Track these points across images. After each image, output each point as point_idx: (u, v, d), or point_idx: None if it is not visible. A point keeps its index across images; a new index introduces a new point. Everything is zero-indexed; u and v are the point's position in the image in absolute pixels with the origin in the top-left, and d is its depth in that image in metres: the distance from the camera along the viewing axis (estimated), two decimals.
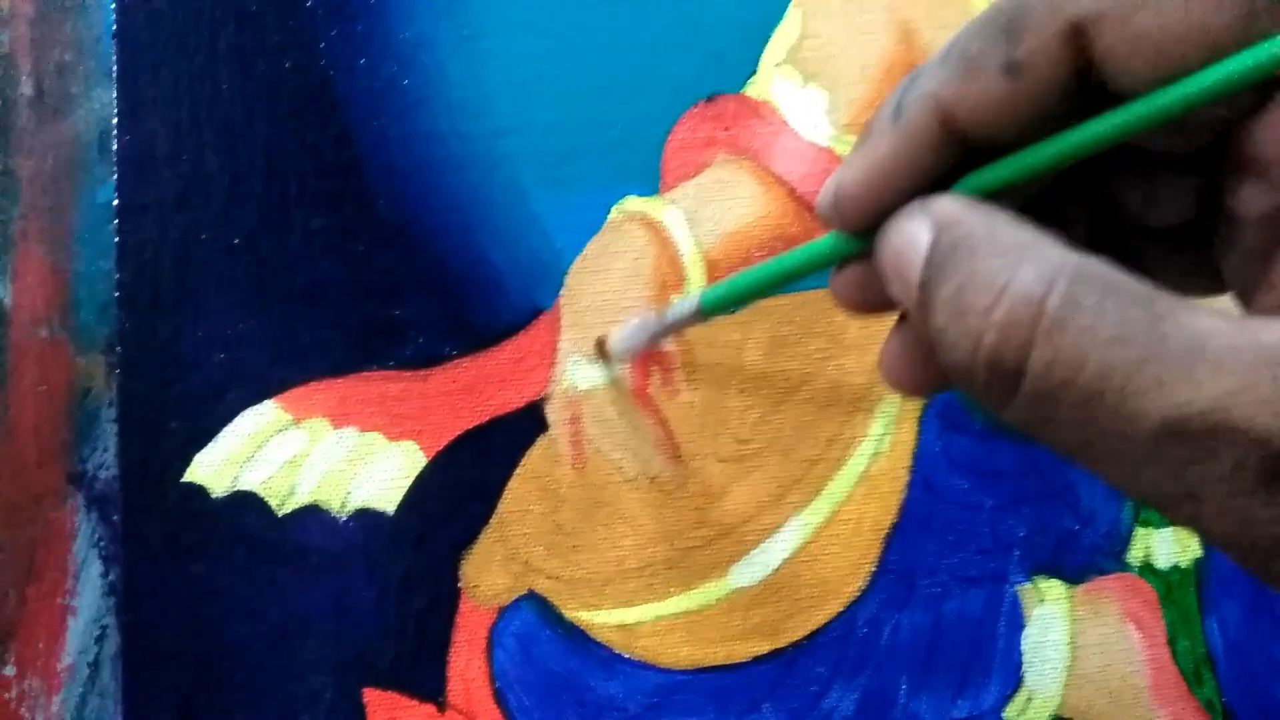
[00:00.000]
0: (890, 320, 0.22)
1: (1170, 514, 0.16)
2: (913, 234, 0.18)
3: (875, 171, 0.19)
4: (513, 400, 0.36)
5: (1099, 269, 0.16)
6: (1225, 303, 0.18)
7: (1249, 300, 0.19)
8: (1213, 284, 0.20)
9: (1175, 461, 0.15)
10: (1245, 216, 0.18)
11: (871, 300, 0.21)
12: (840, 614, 0.36)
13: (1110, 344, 0.15)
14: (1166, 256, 0.21)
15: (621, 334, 0.34)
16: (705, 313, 0.29)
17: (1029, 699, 0.36)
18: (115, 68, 0.37)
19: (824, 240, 0.22)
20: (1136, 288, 0.16)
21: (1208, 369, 0.14)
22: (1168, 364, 0.15)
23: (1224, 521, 0.15)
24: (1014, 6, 0.18)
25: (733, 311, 0.36)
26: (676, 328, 0.31)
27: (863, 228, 0.20)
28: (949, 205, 0.18)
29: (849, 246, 0.21)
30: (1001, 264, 0.16)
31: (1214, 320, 0.15)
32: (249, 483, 0.35)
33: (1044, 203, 0.21)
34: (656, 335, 0.33)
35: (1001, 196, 0.19)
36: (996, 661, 0.36)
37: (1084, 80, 0.18)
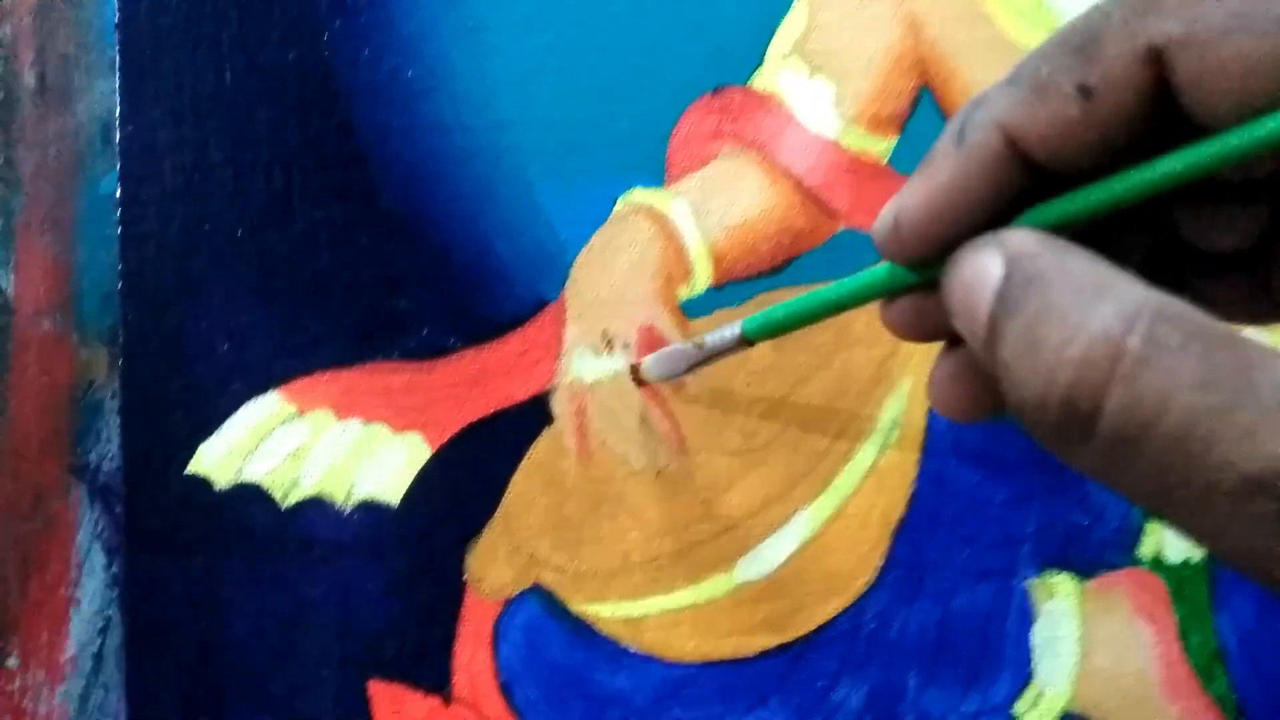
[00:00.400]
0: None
1: (1258, 575, 0.15)
2: (984, 267, 0.17)
3: (938, 198, 0.18)
4: (518, 392, 0.36)
5: (1182, 309, 0.15)
6: None
7: None
8: (1268, 313, 0.19)
9: (1263, 518, 0.14)
10: None
11: (927, 329, 0.21)
12: (848, 608, 0.36)
13: (1196, 389, 0.14)
14: (1218, 282, 0.20)
15: (657, 362, 0.33)
16: (747, 340, 0.27)
17: (1039, 694, 0.36)
18: (118, 59, 0.37)
19: (879, 270, 0.20)
20: (1222, 331, 0.15)
21: None
22: (1258, 413, 0.14)
23: None
24: (1088, 27, 0.17)
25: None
26: (715, 356, 0.30)
27: (922, 258, 0.19)
28: (1023, 238, 0.17)
29: (907, 278, 0.20)
30: (1078, 300, 0.15)
31: None
32: (253, 474, 0.35)
33: (1099, 226, 0.20)
34: (694, 365, 0.32)
35: (1066, 227, 0.18)
36: (1006, 657, 0.36)
37: (1161, 105, 0.17)
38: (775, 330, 0.26)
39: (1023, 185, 0.18)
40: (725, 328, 0.27)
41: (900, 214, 0.19)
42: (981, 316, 0.17)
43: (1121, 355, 0.15)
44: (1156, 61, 0.16)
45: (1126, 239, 0.20)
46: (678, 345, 0.32)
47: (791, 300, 0.24)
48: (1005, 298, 0.16)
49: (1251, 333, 0.19)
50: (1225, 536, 0.15)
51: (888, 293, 0.21)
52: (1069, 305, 0.16)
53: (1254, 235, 0.18)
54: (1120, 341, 0.15)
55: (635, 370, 0.35)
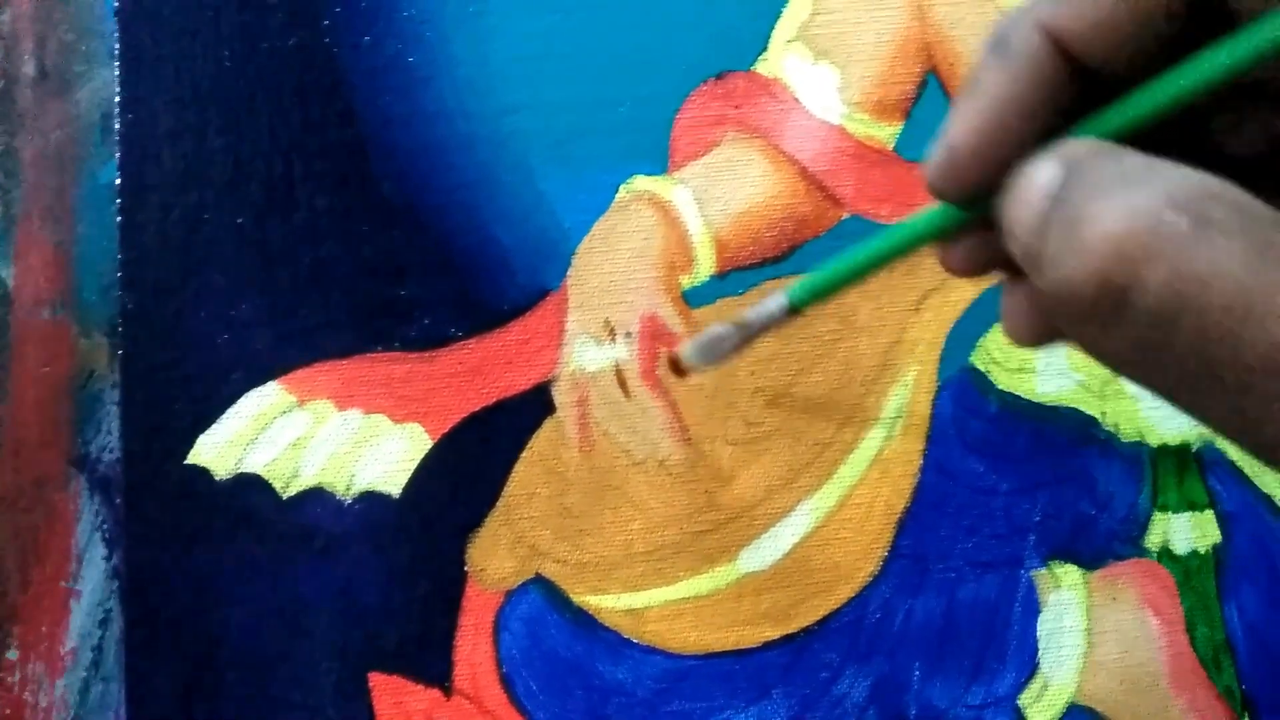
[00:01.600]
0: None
1: None
2: (1044, 175, 0.16)
3: (991, 116, 0.17)
4: (519, 382, 0.36)
5: (1236, 193, 0.15)
6: None
7: None
8: None
9: None
10: None
11: (986, 263, 0.20)
12: (852, 599, 0.36)
13: (1247, 267, 0.14)
14: (1256, 185, 0.19)
15: (698, 349, 0.31)
16: (795, 308, 0.25)
17: (1044, 686, 0.36)
18: (118, 47, 0.37)
19: (933, 213, 0.19)
20: (1267, 210, 0.14)
21: None
22: None
23: None
24: None
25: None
26: (762, 332, 0.28)
27: (979, 188, 0.18)
28: (1079, 144, 0.16)
29: (962, 217, 0.19)
30: (1125, 180, 0.15)
31: None
32: (253, 465, 0.35)
33: (1144, 140, 0.19)
34: (740, 345, 0.29)
35: (1121, 136, 0.17)
36: (1011, 648, 0.36)
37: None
38: (826, 294, 0.23)
39: (1072, 93, 0.17)
40: (768, 300, 0.25)
41: (953, 141, 0.18)
42: (1034, 222, 0.16)
43: (1167, 231, 0.14)
44: None
45: (1169, 154, 0.20)
46: (717, 327, 0.27)
47: (838, 258, 0.22)
48: (1059, 198, 0.16)
49: None
50: (1268, 423, 0.14)
51: (944, 235, 0.20)
52: (1115, 185, 0.15)
53: (1274, 141, 0.18)
54: (1165, 217, 0.14)
55: (676, 362, 0.33)
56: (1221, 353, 0.14)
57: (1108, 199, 0.15)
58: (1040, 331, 0.19)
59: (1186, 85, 0.17)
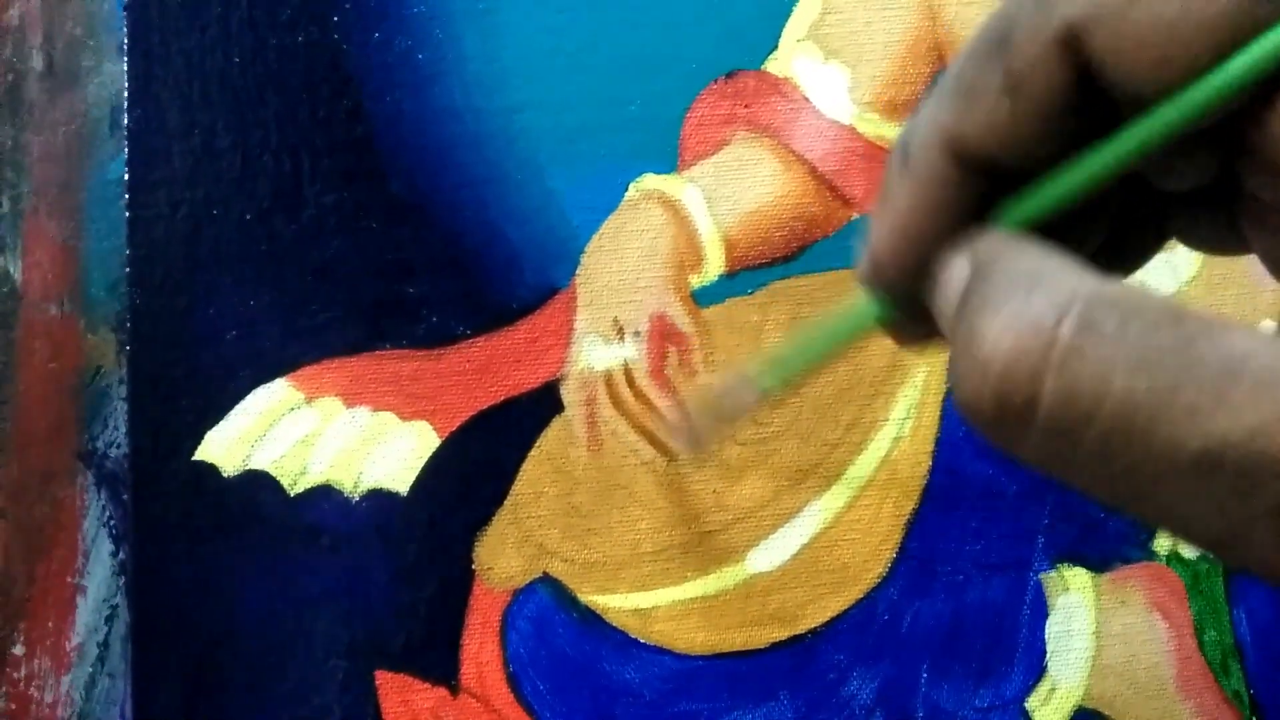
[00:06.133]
0: None
1: (1217, 555, 0.15)
2: (954, 273, 0.17)
3: (904, 227, 0.18)
4: (527, 380, 0.36)
5: (1120, 291, 0.15)
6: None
7: None
8: (1245, 245, 0.19)
9: (1216, 498, 0.14)
10: (1267, 201, 0.17)
11: (936, 334, 0.20)
12: (860, 601, 0.36)
13: (1135, 371, 0.14)
14: (1196, 218, 0.19)
15: (680, 436, 0.33)
16: (767, 394, 0.27)
17: (1052, 689, 0.35)
18: (126, 42, 0.37)
19: (872, 305, 0.20)
20: (1163, 307, 0.14)
21: (1247, 393, 0.13)
22: (1203, 389, 0.13)
23: (1277, 559, 0.14)
24: (1003, 21, 0.17)
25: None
26: (738, 417, 0.29)
27: (912, 284, 0.19)
28: (988, 239, 0.17)
29: (904, 307, 0.19)
30: (1012, 292, 0.15)
31: (1251, 340, 0.14)
32: (261, 462, 0.35)
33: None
34: (717, 429, 0.31)
35: (1038, 220, 0.18)
36: (1019, 651, 0.36)
37: (1088, 87, 0.16)
38: (792, 381, 0.25)
39: (985, 187, 0.18)
40: (739, 388, 0.27)
41: (873, 254, 0.19)
42: (949, 329, 0.17)
43: (1053, 344, 0.14)
44: (1073, 43, 0.16)
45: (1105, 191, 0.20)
46: (697, 420, 0.31)
47: (799, 346, 0.24)
48: (960, 309, 0.16)
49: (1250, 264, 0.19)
50: (1179, 522, 0.14)
51: (887, 322, 0.20)
52: (1004, 297, 0.15)
53: (1211, 173, 0.18)
54: (1052, 330, 0.14)
55: (659, 444, 0.35)
56: (1126, 459, 0.14)
57: (997, 314, 0.15)
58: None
59: (1076, 182, 0.17)
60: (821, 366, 0.24)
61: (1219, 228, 0.19)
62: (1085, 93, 0.16)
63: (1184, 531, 0.15)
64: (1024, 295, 0.15)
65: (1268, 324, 0.17)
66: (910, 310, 0.19)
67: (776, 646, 0.35)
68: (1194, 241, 0.20)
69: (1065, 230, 0.18)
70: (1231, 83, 0.15)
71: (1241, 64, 0.15)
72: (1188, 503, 0.14)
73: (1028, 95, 0.16)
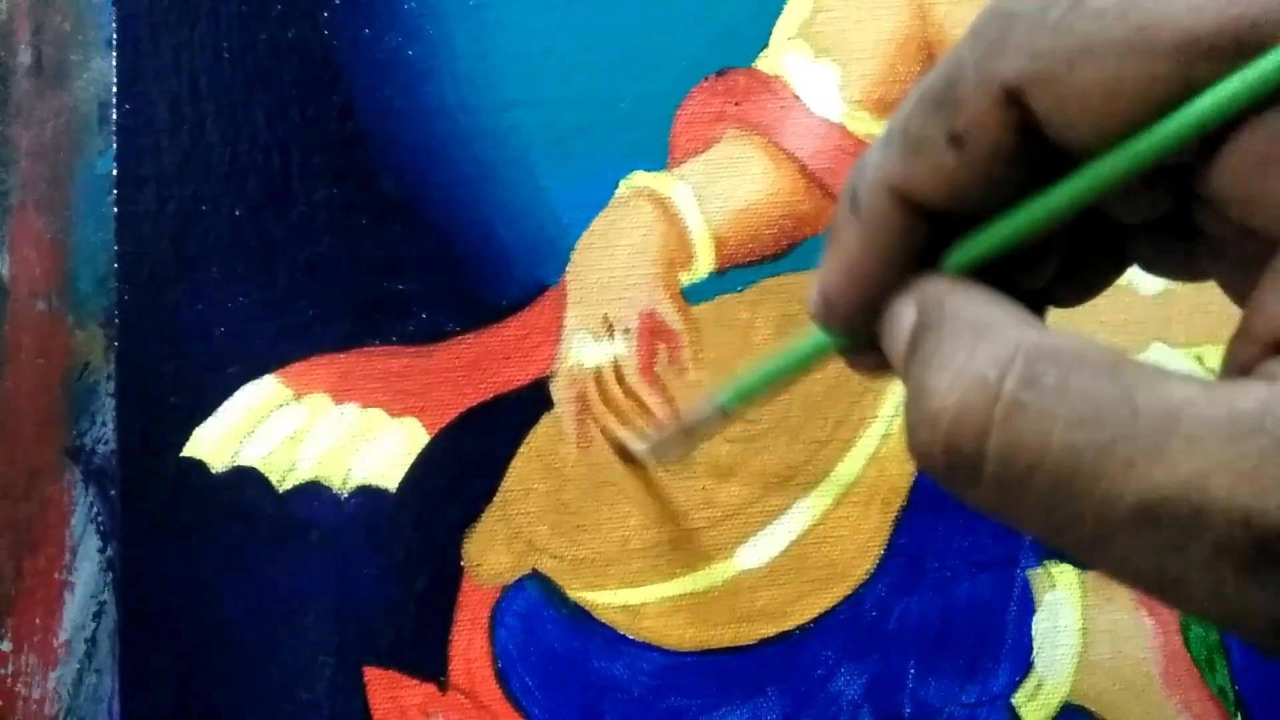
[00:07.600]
0: None
1: (1159, 599, 0.15)
2: (900, 317, 0.18)
3: (853, 269, 0.18)
4: (517, 377, 0.36)
5: (1061, 343, 0.15)
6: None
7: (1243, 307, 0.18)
8: (1203, 272, 0.19)
9: (1155, 547, 0.14)
10: (1220, 237, 0.17)
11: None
12: (848, 597, 0.36)
13: (1075, 425, 0.14)
14: (1156, 247, 0.20)
15: (650, 450, 0.34)
16: (726, 411, 0.27)
17: (1039, 685, 0.36)
18: (114, 37, 0.36)
19: (828, 338, 0.21)
20: (1102, 359, 0.15)
21: (1182, 444, 0.13)
22: (1139, 442, 0.14)
23: (1216, 606, 0.14)
24: (945, 78, 0.17)
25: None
26: (701, 433, 0.30)
27: (863, 322, 0.19)
28: (934, 283, 0.17)
29: (856, 341, 0.20)
30: (956, 345, 0.16)
31: (1187, 388, 0.14)
32: (249, 458, 0.35)
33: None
34: (685, 448, 0.33)
35: (982, 263, 0.18)
36: (1006, 647, 0.36)
37: (1033, 139, 0.17)
38: (752, 400, 0.27)
39: (933, 231, 0.18)
40: (703, 405, 0.28)
41: (824, 292, 0.19)
42: (899, 366, 0.17)
43: (997, 399, 0.15)
44: (1015, 101, 0.16)
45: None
46: (666, 432, 0.33)
47: (755, 370, 0.25)
48: (908, 359, 0.17)
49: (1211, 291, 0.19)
50: (1122, 569, 0.15)
51: (844, 351, 0.21)
52: (949, 351, 0.16)
53: (1165, 206, 0.18)
54: (996, 385, 0.15)
55: (625, 451, 0.35)
56: (1069, 511, 0.14)
57: (944, 370, 0.16)
58: None
59: (1020, 227, 0.17)
60: (781, 389, 0.25)
61: (1178, 256, 0.19)
62: (1031, 143, 0.17)
63: (1129, 579, 0.15)
64: (968, 349, 0.15)
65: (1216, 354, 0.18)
66: (864, 343, 0.19)
67: (765, 643, 0.35)
68: (1155, 269, 0.20)
69: (1019, 261, 0.18)
70: (1169, 139, 0.15)
71: (1178, 123, 0.15)
72: (1129, 552, 0.14)
73: (973, 149, 0.17)
